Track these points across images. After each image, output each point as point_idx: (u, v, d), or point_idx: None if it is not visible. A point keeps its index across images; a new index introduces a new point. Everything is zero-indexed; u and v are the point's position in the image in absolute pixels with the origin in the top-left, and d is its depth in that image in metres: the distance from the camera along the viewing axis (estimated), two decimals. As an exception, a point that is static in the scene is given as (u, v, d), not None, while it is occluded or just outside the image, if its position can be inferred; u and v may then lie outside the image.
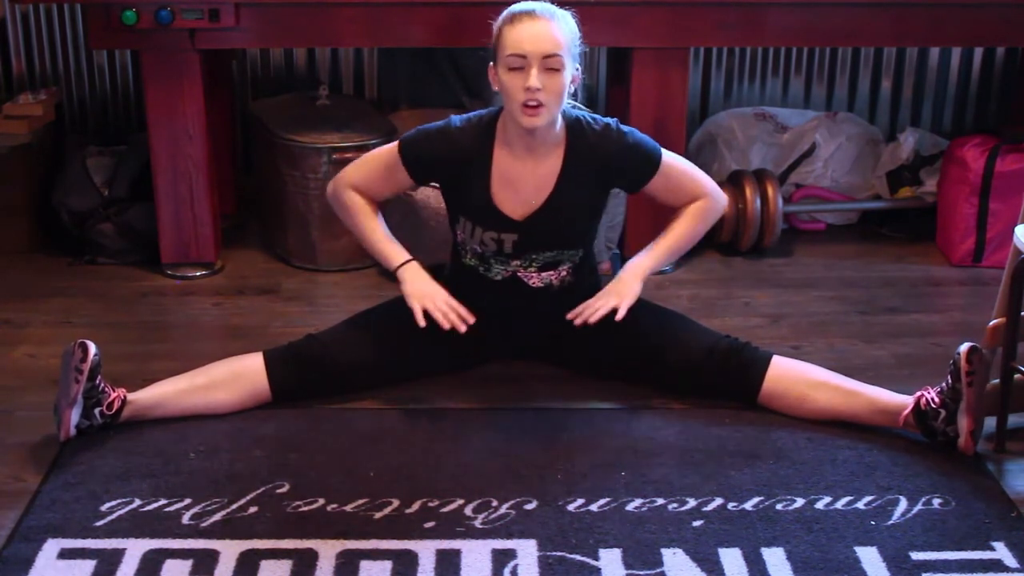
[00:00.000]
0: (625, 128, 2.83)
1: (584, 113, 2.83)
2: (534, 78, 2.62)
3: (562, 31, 2.67)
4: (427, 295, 2.79)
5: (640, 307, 2.92)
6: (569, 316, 2.82)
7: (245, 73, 4.28)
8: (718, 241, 3.90)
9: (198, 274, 3.66)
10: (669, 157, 2.87)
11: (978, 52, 4.34)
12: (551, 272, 2.87)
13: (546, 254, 2.85)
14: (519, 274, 2.87)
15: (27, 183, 3.82)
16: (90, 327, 3.30)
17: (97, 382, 2.65)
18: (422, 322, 2.76)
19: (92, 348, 2.62)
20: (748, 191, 3.80)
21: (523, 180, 2.79)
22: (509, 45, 2.64)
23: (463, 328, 2.78)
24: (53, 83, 4.23)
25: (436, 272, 2.99)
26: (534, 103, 2.64)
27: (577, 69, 2.73)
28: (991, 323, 2.83)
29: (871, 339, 3.30)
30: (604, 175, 2.83)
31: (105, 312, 3.43)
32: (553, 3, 2.75)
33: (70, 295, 3.53)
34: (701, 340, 2.88)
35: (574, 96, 2.80)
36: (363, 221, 2.89)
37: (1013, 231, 2.73)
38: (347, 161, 3.58)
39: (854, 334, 3.33)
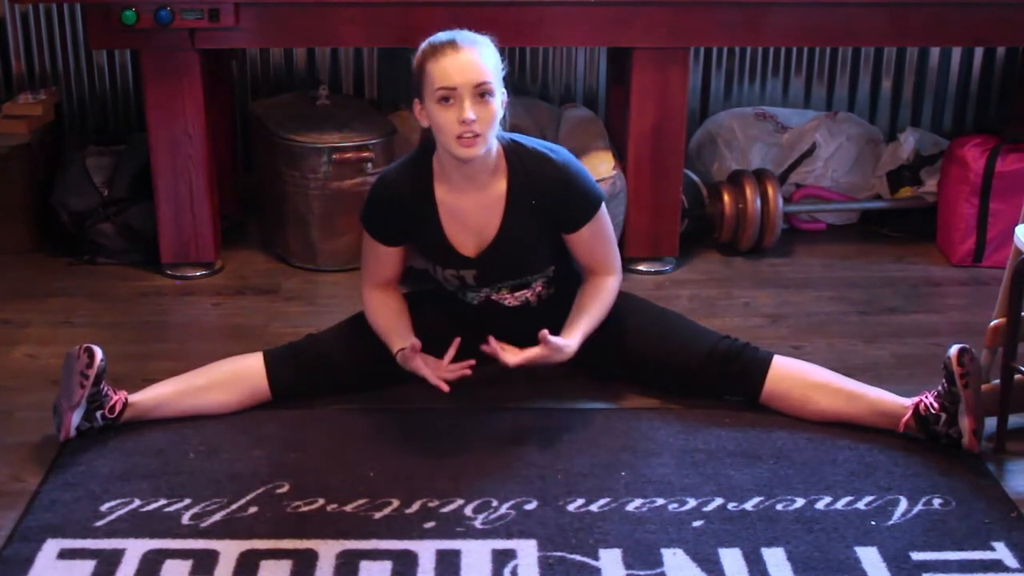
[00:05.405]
0: (565, 157, 2.75)
1: (522, 138, 2.76)
2: (468, 110, 2.55)
3: (487, 57, 2.60)
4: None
5: (639, 309, 2.92)
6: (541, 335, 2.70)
7: (245, 73, 4.28)
8: (718, 241, 3.91)
9: (198, 274, 3.66)
10: (604, 211, 2.81)
11: (978, 52, 4.34)
12: (524, 291, 2.85)
13: (511, 281, 2.83)
14: (493, 298, 2.85)
15: (27, 183, 3.82)
16: (90, 327, 3.30)
17: (101, 387, 2.65)
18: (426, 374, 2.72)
19: (99, 353, 2.62)
20: (748, 191, 3.80)
21: (469, 213, 2.74)
22: (437, 79, 2.56)
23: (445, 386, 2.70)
24: (53, 83, 4.23)
25: (427, 276, 2.96)
26: (470, 135, 2.57)
27: (503, 92, 2.65)
28: (991, 323, 2.84)
29: (871, 339, 3.30)
30: (545, 203, 2.72)
31: (105, 312, 3.43)
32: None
33: (70, 295, 3.53)
34: (700, 343, 2.86)
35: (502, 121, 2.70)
36: (374, 320, 2.83)
37: (1013, 231, 2.74)
38: (347, 161, 3.61)
39: (854, 334, 3.33)
